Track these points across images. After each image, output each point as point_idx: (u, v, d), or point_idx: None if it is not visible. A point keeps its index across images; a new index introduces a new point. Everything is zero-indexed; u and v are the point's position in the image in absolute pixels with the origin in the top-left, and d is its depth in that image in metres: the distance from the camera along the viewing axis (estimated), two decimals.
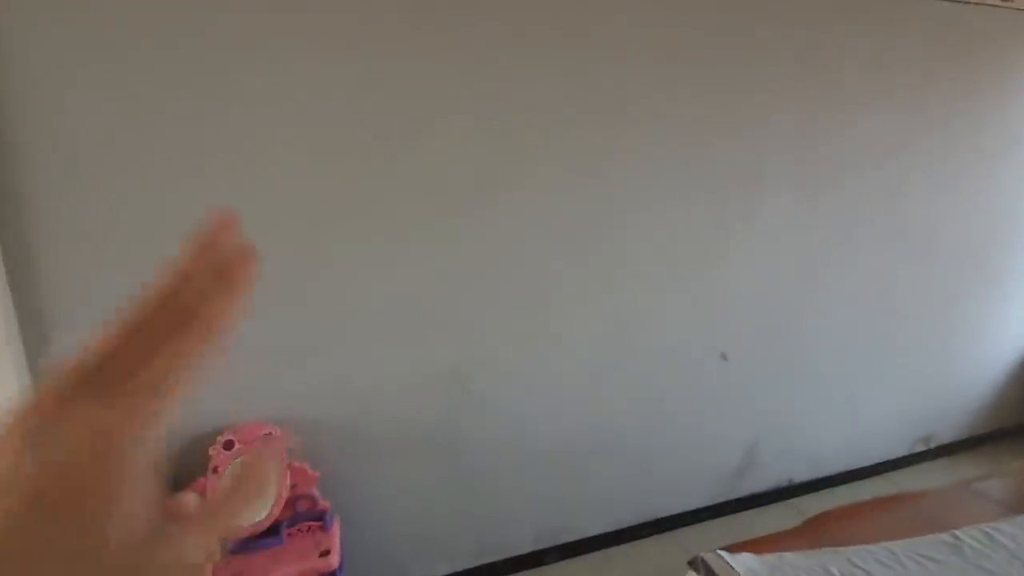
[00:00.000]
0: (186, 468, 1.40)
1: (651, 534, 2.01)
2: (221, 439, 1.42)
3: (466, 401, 1.69)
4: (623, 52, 1.60)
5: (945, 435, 2.47)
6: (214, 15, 1.26)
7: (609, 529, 1.96)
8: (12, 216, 1.21)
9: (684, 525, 2.05)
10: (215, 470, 1.40)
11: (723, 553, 0.91)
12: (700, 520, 2.07)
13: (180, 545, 0.20)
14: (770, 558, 0.92)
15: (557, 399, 1.79)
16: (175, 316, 0.21)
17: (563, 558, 1.91)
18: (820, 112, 1.90)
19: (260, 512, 1.43)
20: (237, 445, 1.43)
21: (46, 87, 1.18)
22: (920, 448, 2.43)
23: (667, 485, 2.01)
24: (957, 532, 0.96)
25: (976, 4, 2.02)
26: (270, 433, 1.46)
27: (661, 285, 1.83)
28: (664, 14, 1.62)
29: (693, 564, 0.97)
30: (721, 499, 2.11)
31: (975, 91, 2.13)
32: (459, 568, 1.80)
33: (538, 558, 1.88)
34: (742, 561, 0.90)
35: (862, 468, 2.33)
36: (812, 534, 1.25)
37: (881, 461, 2.37)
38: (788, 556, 0.94)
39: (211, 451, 1.40)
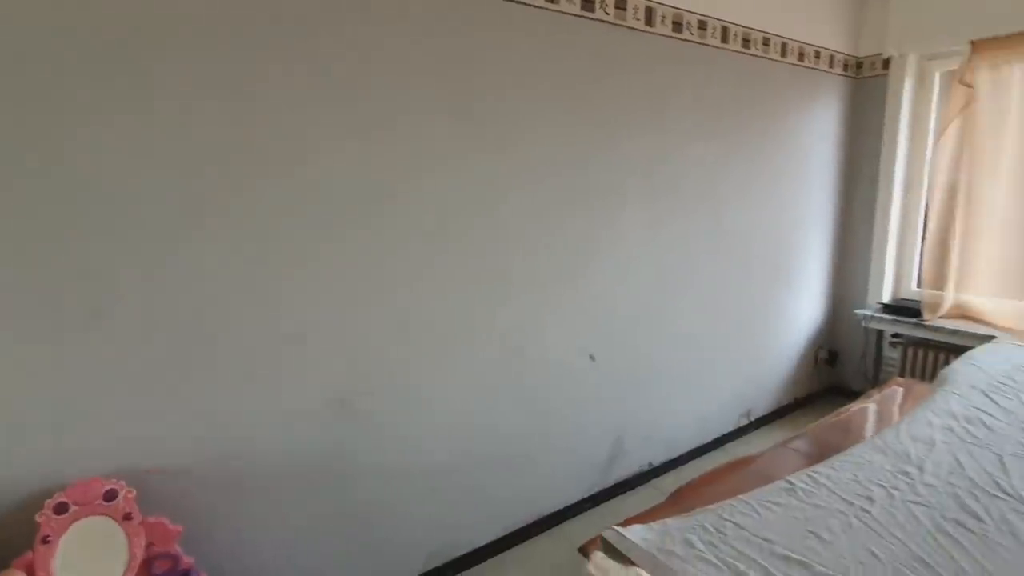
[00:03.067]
0: (9, 541, 1.14)
1: (540, 532, 2.10)
2: (50, 503, 1.18)
3: (352, 427, 1.62)
4: (503, 84, 1.75)
5: (760, 409, 2.97)
6: None
7: (500, 535, 2.00)
8: None
9: (567, 518, 2.18)
10: (45, 540, 1.16)
11: (617, 528, 1.01)
12: (581, 511, 2.22)
13: None
14: (655, 525, 1.05)
15: (445, 415, 1.80)
16: None
17: (457, 572, 1.90)
18: (660, 141, 2.22)
19: None
20: (72, 507, 1.21)
21: None
22: (744, 422, 2.88)
23: (550, 483, 2.12)
24: (790, 478, 1.18)
25: (763, 58, 2.53)
26: (113, 491, 1.25)
27: (539, 298, 1.96)
28: (540, 54, 1.82)
29: (592, 546, 1.06)
30: (596, 488, 2.28)
31: (770, 125, 2.66)
32: None
33: None
34: (635, 532, 1.00)
35: (705, 444, 2.70)
36: (678, 503, 1.43)
37: (718, 436, 2.76)
38: (669, 521, 1.07)
39: (38, 517, 1.16)
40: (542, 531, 2.11)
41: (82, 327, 1.22)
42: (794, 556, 0.93)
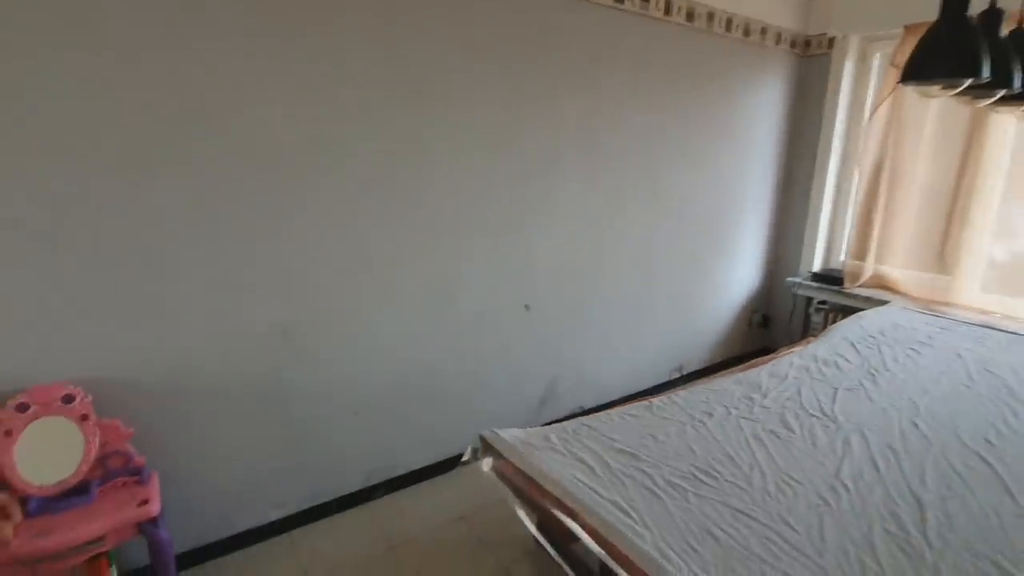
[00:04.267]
0: None
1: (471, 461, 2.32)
2: (12, 402, 1.36)
3: (292, 356, 1.80)
4: (438, 47, 1.87)
5: (692, 364, 3.21)
6: None
7: (434, 460, 2.23)
8: None
9: None
10: (7, 433, 1.34)
11: (496, 430, 1.22)
12: None
13: None
14: (531, 430, 1.26)
15: (381, 350, 1.98)
16: None
17: (392, 491, 2.13)
18: (599, 107, 2.35)
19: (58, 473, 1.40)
20: (33, 407, 1.38)
21: None
22: (675, 376, 3.12)
23: (483, 418, 2.33)
24: (652, 399, 1.40)
25: (707, 32, 2.66)
26: (71, 395, 1.43)
27: (474, 248, 2.12)
28: (478, 20, 1.94)
29: (473, 445, 1.27)
30: (529, 426, 2.50)
31: (712, 98, 2.79)
32: (290, 512, 1.91)
33: (368, 494, 2.08)
34: (508, 432, 1.21)
35: (635, 393, 2.94)
36: None
37: (648, 387, 3.00)
38: (545, 427, 1.28)
39: (1, 414, 1.33)
40: (474, 460, 2.34)
41: (40, 250, 1.37)
42: (627, 450, 1.14)
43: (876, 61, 3.12)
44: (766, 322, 3.55)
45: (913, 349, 1.78)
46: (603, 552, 0.85)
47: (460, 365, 2.21)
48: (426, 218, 1.98)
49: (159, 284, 1.53)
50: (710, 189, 2.96)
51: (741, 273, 3.33)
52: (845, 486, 1.05)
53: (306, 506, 1.94)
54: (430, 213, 1.98)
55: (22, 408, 1.37)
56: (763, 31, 2.95)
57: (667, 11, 2.49)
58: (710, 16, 2.66)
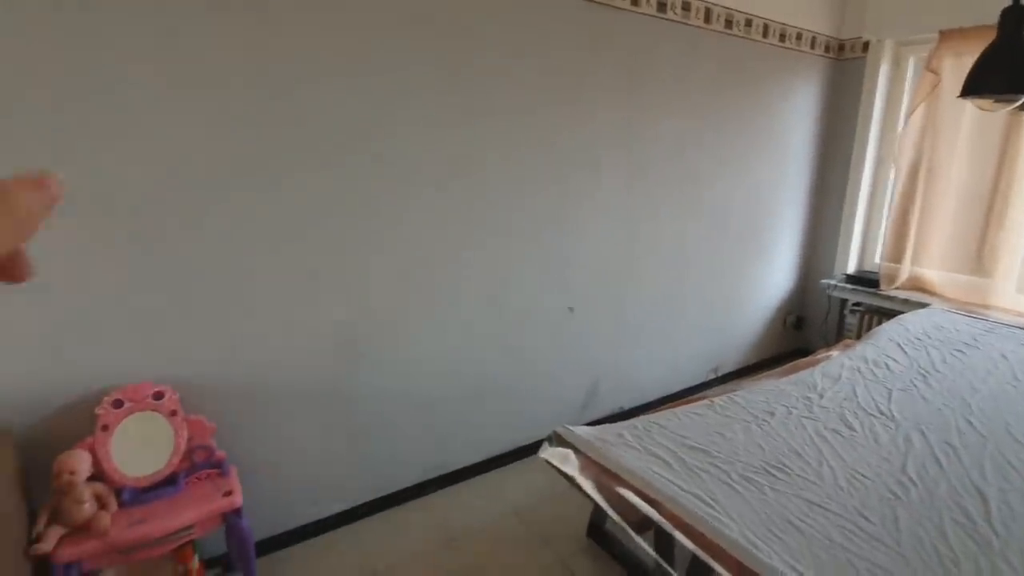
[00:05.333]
0: (73, 427, 1.41)
1: (517, 459, 2.40)
2: (108, 399, 1.45)
3: (356, 358, 1.88)
4: (488, 62, 1.95)
5: (727, 366, 3.24)
6: None
7: (482, 458, 2.31)
8: None
9: None
10: (104, 428, 1.44)
11: (567, 425, 1.29)
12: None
13: None
14: (601, 427, 1.32)
15: (436, 353, 2.06)
16: None
17: (444, 486, 2.21)
18: (638, 114, 2.41)
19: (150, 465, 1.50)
20: (127, 403, 1.48)
21: None
22: (712, 376, 3.17)
23: (528, 418, 2.41)
24: (714, 398, 1.46)
25: (744, 38, 2.70)
26: (161, 392, 1.52)
27: (521, 255, 2.20)
28: (527, 33, 2.02)
29: (548, 440, 1.34)
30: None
31: (749, 103, 2.84)
32: (352, 505, 2.00)
33: (422, 488, 2.16)
34: (580, 429, 1.28)
35: (673, 394, 2.98)
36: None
37: (686, 387, 3.05)
38: (613, 424, 1.34)
39: (98, 410, 1.43)
40: (519, 459, 2.41)
41: (133, 256, 1.46)
42: (699, 446, 1.20)
43: (911, 65, 3.13)
44: (800, 324, 3.57)
45: (959, 351, 1.82)
46: (690, 542, 0.91)
47: (507, 366, 2.28)
48: (475, 224, 2.05)
49: (239, 289, 1.62)
50: (745, 192, 3.00)
51: (776, 275, 3.36)
52: (912, 480, 1.10)
53: (367, 499, 2.03)
54: (479, 219, 2.05)
55: (117, 404, 1.47)
56: (798, 36, 2.98)
57: (707, 19, 2.54)
58: (748, 23, 2.71)
